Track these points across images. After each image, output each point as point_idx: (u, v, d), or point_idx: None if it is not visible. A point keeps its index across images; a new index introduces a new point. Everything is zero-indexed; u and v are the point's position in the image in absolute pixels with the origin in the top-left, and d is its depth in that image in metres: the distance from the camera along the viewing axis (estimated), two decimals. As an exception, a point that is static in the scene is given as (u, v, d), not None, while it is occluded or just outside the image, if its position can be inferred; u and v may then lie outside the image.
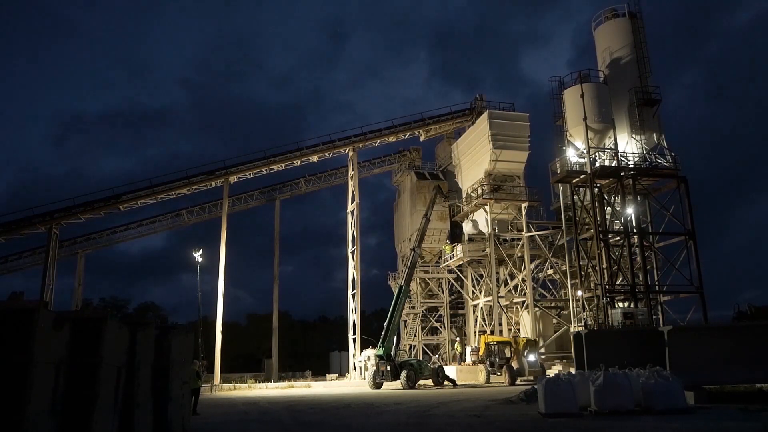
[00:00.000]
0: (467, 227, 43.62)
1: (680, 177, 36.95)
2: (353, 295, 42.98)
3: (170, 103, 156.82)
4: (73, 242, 47.84)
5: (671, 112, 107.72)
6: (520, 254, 41.33)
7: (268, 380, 42.15)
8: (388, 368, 31.93)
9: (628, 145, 38.10)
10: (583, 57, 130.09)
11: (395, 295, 36.16)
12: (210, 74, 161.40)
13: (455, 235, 50.66)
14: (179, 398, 11.24)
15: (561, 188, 40.08)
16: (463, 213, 45.46)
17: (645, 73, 39.04)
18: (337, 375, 48.16)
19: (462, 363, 38.70)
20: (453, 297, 52.65)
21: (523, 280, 41.28)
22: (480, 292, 43.73)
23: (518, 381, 32.24)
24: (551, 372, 31.80)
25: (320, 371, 55.99)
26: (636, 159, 37.45)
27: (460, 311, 52.50)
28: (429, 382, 33.06)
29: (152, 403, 9.96)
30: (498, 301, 40.44)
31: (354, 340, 41.83)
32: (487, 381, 33.71)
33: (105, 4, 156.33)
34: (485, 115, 42.39)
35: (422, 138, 49.49)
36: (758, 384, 17.45)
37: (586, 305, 36.83)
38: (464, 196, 45.43)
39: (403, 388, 30.56)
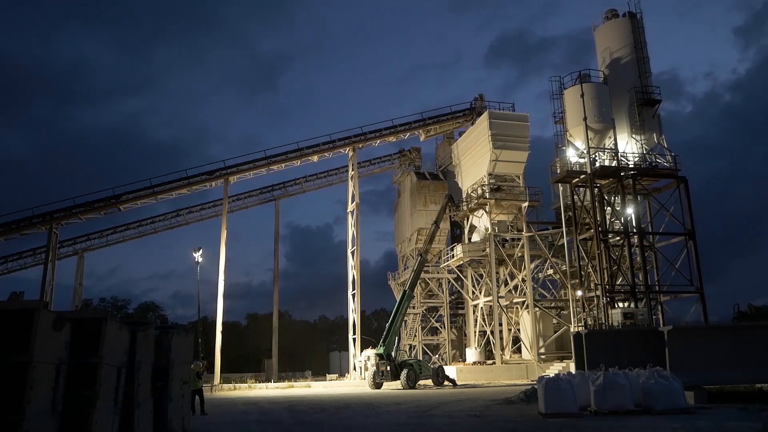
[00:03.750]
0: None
1: (680, 177, 36.96)
2: (353, 296, 42.97)
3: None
4: (73, 242, 47.86)
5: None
6: (520, 254, 41.32)
7: (268, 380, 42.17)
8: (388, 368, 31.95)
9: (628, 145, 38.09)
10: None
11: (398, 298, 36.17)
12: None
13: (455, 235, 50.73)
14: (179, 398, 11.23)
15: (561, 188, 40.08)
16: (462, 213, 45.46)
17: (645, 73, 39.03)
18: (337, 375, 48.18)
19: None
20: (453, 297, 52.65)
21: (523, 280, 41.27)
22: (480, 292, 43.72)
23: None
24: (551, 372, 31.80)
25: (320, 371, 56.05)
26: (636, 159, 37.44)
27: (460, 311, 52.49)
28: (429, 382, 33.06)
29: (152, 403, 9.96)
30: (498, 301, 40.43)
31: (354, 340, 41.82)
32: None
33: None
34: (485, 115, 42.38)
35: (422, 138, 49.50)
36: (758, 384, 17.43)
37: (586, 305, 36.82)
38: (464, 196, 45.42)
39: (403, 388, 30.56)
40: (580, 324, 36.32)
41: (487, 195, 41.09)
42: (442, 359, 49.13)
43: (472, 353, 40.73)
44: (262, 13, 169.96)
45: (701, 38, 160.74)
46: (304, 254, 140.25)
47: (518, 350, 42.80)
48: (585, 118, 36.83)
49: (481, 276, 44.53)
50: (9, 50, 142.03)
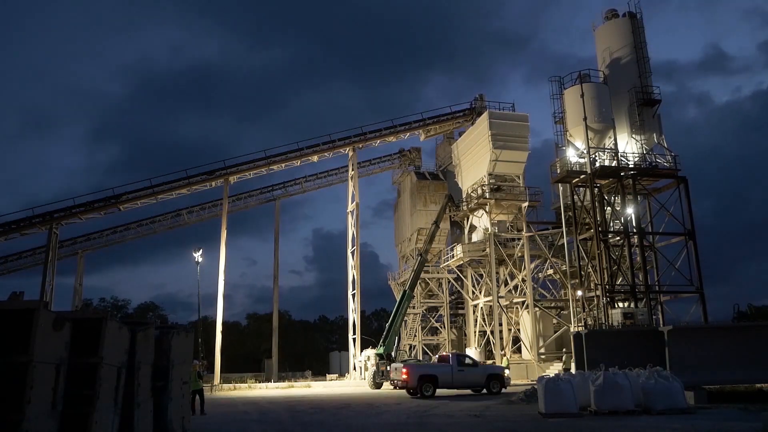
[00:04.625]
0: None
1: (680, 177, 36.94)
2: (353, 295, 42.96)
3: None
4: (73, 242, 47.83)
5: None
6: (520, 254, 41.32)
7: (268, 380, 42.14)
8: (388, 368, 31.92)
9: (628, 145, 38.09)
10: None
11: (399, 299, 36.17)
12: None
13: (456, 235, 50.73)
14: (179, 398, 11.23)
15: (561, 188, 40.07)
16: (462, 213, 45.46)
17: (645, 73, 39.02)
18: (337, 375, 48.15)
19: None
20: (453, 297, 52.64)
21: (523, 280, 41.26)
22: (480, 292, 43.71)
23: None
24: (550, 371, 31.80)
25: (320, 371, 56.03)
26: (636, 159, 37.43)
27: (460, 311, 52.48)
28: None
29: (152, 403, 9.96)
30: (498, 301, 40.42)
31: (354, 340, 41.81)
32: None
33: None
34: (485, 115, 42.36)
35: (422, 138, 49.47)
36: (758, 384, 17.46)
37: (586, 305, 36.81)
38: (464, 196, 45.42)
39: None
40: (580, 324, 36.32)
41: (487, 195, 41.10)
42: (442, 359, 49.07)
43: (472, 353, 40.70)
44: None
45: (730, 53, 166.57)
46: (325, 258, 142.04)
47: (518, 350, 42.78)
48: (585, 118, 36.80)
49: (481, 276, 44.52)
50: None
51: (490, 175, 41.53)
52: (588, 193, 37.04)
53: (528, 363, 38.98)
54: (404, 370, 23.76)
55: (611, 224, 38.08)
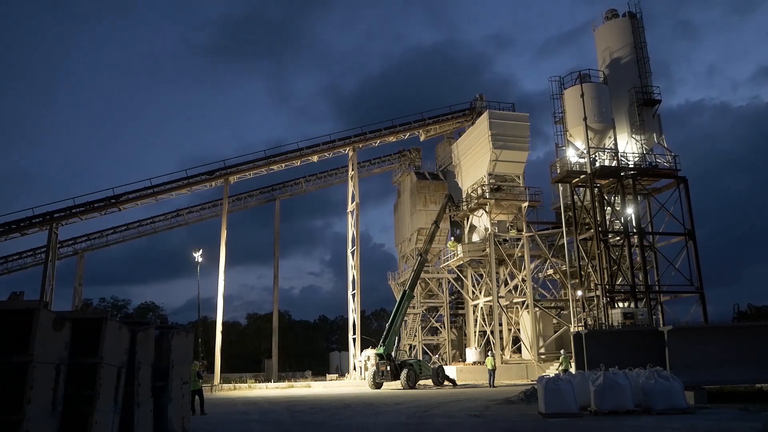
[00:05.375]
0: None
1: (680, 177, 36.95)
2: (353, 295, 42.96)
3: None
4: (73, 242, 47.85)
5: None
6: (520, 254, 41.32)
7: (268, 380, 42.14)
8: (388, 368, 31.95)
9: (628, 145, 38.10)
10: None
11: (399, 299, 36.16)
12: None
13: (456, 235, 50.73)
14: (179, 398, 11.22)
15: (561, 188, 40.07)
16: (462, 213, 45.46)
17: (645, 73, 39.04)
18: (337, 375, 48.14)
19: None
20: (453, 297, 52.64)
21: (523, 280, 41.27)
22: (480, 292, 43.72)
23: None
24: (550, 371, 31.79)
25: (320, 371, 56.04)
26: (636, 159, 37.44)
27: (460, 311, 52.49)
28: (429, 382, 33.07)
29: (152, 403, 9.95)
30: (498, 301, 40.43)
31: (354, 340, 41.82)
32: None
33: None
34: (485, 115, 42.36)
35: (422, 138, 49.46)
36: (758, 384, 17.45)
37: (586, 305, 36.81)
38: (464, 196, 45.42)
39: (403, 388, 30.57)
40: (580, 324, 36.31)
41: (487, 195, 41.10)
42: (442, 359, 49.12)
43: (472, 353, 40.72)
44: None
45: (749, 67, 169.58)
46: (341, 260, 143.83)
47: (518, 350, 42.79)
48: (585, 118, 36.82)
49: (481, 276, 44.52)
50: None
51: (490, 175, 41.53)
52: (588, 193, 37.05)
53: (528, 363, 39.00)
54: None
55: (611, 224, 38.09)
